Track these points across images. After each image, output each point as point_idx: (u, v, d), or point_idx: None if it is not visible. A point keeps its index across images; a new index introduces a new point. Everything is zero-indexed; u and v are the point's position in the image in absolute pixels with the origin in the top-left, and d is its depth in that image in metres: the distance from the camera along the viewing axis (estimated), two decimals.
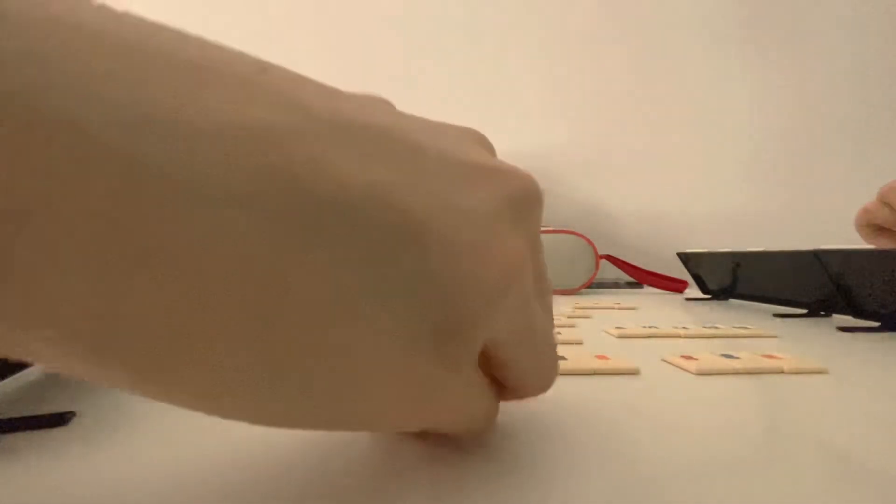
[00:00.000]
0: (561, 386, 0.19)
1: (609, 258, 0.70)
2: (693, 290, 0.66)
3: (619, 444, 0.13)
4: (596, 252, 0.68)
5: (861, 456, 0.12)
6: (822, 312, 0.39)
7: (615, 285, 0.80)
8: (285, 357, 0.07)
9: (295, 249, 0.07)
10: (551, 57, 0.98)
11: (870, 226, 0.41)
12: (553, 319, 0.14)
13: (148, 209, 0.06)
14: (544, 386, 0.13)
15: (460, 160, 0.10)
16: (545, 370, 0.13)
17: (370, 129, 0.08)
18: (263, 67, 0.08)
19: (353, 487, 0.10)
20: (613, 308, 0.48)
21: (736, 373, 0.20)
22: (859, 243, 0.43)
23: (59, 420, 0.14)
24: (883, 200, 0.40)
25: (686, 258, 0.60)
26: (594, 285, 0.80)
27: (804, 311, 0.41)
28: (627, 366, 0.21)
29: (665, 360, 0.23)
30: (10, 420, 0.14)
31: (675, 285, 0.68)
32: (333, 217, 0.07)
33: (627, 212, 0.98)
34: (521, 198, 0.11)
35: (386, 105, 0.10)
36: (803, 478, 0.11)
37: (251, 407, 0.08)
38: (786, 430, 0.14)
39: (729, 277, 0.53)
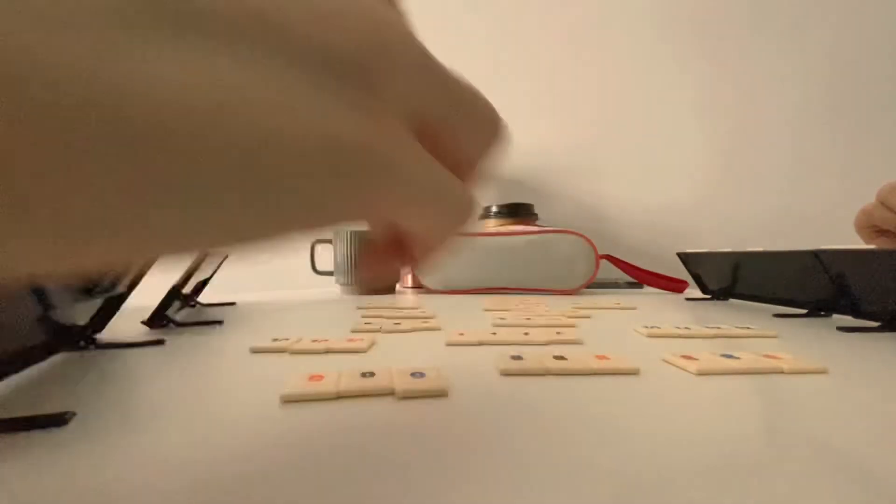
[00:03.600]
0: (561, 386, 0.19)
1: (609, 258, 0.70)
2: (693, 290, 0.66)
3: (620, 444, 0.13)
4: (596, 252, 0.68)
5: (861, 456, 0.12)
6: (822, 312, 0.39)
7: (615, 285, 0.80)
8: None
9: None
10: (551, 56, 0.98)
11: (869, 227, 0.41)
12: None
13: None
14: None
15: None
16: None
17: None
18: None
19: (355, 487, 0.10)
20: (613, 308, 0.48)
21: (736, 373, 0.20)
22: (859, 244, 0.43)
23: (58, 420, 0.14)
24: (881, 202, 0.40)
25: (686, 258, 0.60)
26: (594, 285, 0.80)
27: (804, 311, 0.41)
28: (627, 366, 0.21)
29: (665, 360, 0.23)
30: (9, 420, 0.14)
31: (675, 285, 0.68)
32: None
33: (627, 212, 0.98)
34: None
35: None
36: (803, 478, 0.11)
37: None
38: (786, 430, 0.14)
39: (729, 277, 0.54)
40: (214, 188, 0.08)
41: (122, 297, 0.31)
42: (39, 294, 0.18)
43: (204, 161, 0.07)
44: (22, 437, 0.13)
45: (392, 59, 0.10)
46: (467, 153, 0.12)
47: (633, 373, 0.21)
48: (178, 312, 0.43)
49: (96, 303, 0.28)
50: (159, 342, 0.28)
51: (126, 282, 0.30)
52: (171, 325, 0.35)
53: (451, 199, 0.12)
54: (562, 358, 0.22)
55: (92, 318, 0.29)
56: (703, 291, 0.60)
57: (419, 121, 0.11)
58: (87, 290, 0.24)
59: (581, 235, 0.68)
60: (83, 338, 0.27)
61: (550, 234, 0.68)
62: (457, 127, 0.12)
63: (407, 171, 0.10)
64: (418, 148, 0.11)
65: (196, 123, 0.07)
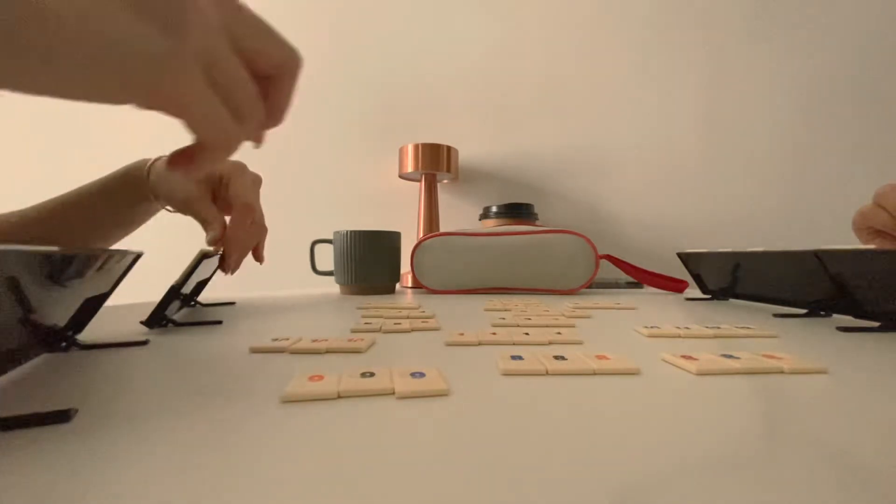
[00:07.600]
0: (561, 386, 0.19)
1: (609, 258, 0.71)
2: (693, 290, 0.66)
3: (620, 443, 0.13)
4: (596, 252, 0.68)
5: (861, 456, 0.12)
6: (822, 312, 0.40)
7: (615, 285, 0.80)
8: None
9: None
10: (552, 56, 0.98)
11: (867, 229, 0.41)
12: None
13: None
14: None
15: None
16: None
17: None
18: None
19: (354, 487, 0.10)
20: (613, 308, 0.48)
21: (736, 373, 0.20)
22: (859, 244, 0.43)
23: (61, 417, 0.14)
24: (878, 204, 0.40)
25: (686, 258, 0.60)
26: (594, 285, 0.80)
27: (804, 311, 0.41)
28: (627, 366, 0.21)
29: (665, 360, 0.23)
30: (13, 417, 0.14)
31: (675, 285, 0.68)
32: None
33: (627, 212, 0.98)
34: None
35: None
36: (803, 478, 0.11)
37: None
38: (786, 430, 0.14)
39: (729, 277, 0.54)
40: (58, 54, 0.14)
41: (103, 298, 0.30)
42: (16, 294, 0.18)
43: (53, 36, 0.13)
44: (25, 434, 0.13)
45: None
46: (267, 70, 0.20)
47: (633, 373, 0.21)
48: (178, 312, 0.43)
49: (76, 303, 0.27)
50: (143, 343, 0.28)
51: (107, 281, 0.29)
52: (171, 324, 0.35)
53: (217, 118, 0.18)
54: (562, 358, 0.22)
55: (71, 319, 0.28)
56: (703, 291, 0.60)
57: (227, 43, 0.18)
58: (63, 284, 0.23)
59: (581, 235, 0.68)
60: (63, 339, 0.26)
61: (550, 234, 0.68)
62: (258, 48, 0.19)
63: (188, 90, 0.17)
64: (201, 81, 0.17)
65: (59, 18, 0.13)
